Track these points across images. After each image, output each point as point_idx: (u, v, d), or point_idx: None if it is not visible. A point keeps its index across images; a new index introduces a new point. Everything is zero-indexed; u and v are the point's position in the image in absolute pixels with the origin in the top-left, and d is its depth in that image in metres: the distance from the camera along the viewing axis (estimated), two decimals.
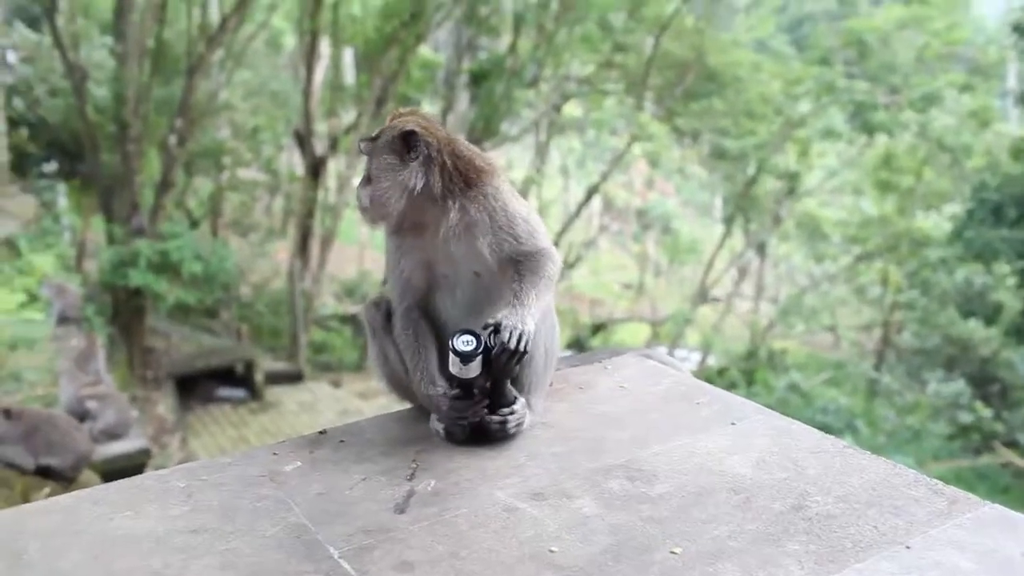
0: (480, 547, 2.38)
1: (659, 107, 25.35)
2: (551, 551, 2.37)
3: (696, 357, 29.79)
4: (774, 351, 30.54)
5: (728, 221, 29.96)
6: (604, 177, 26.57)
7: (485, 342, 2.77)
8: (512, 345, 2.72)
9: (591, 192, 27.26)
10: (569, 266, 27.22)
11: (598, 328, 29.92)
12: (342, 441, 2.97)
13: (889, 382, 29.66)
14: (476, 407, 2.88)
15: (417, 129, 2.89)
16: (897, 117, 26.52)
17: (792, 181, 28.04)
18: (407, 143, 2.88)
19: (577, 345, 29.64)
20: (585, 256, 30.20)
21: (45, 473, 7.83)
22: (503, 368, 2.81)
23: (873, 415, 27.63)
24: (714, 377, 30.16)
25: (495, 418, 2.92)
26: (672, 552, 2.35)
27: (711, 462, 2.81)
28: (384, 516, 2.53)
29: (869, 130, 27.16)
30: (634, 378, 3.42)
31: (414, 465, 2.80)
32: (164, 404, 18.17)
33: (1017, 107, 28.20)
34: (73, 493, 2.67)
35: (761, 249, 31.90)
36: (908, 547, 2.38)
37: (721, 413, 3.14)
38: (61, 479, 7.70)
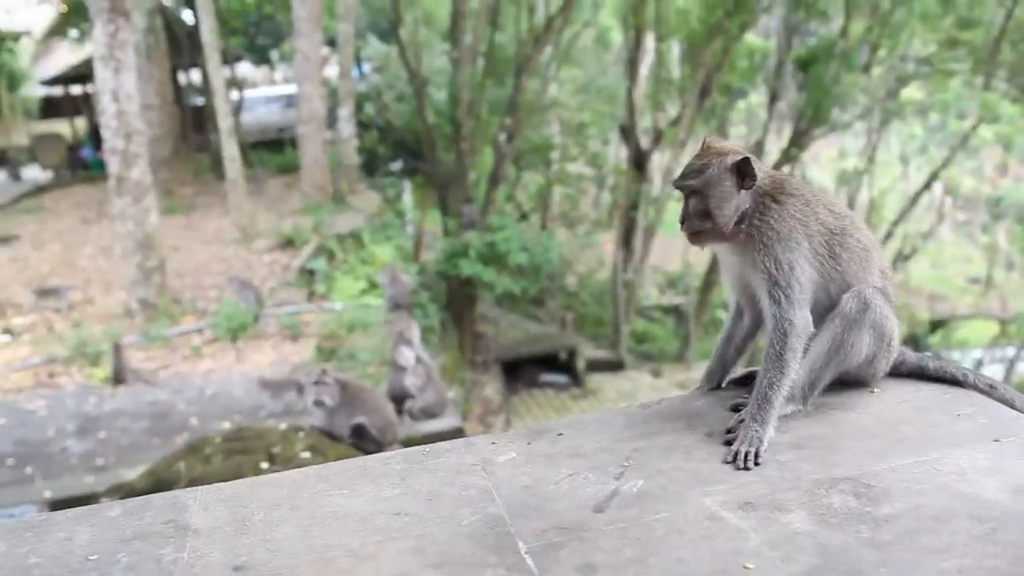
0: (670, 556, 2.26)
1: (1012, 85, 22.81)
2: (746, 567, 2.19)
3: None
4: None
5: None
6: (946, 163, 24.39)
7: None
8: (740, 464, 2.65)
9: (931, 179, 25.17)
10: (905, 258, 25.34)
11: (937, 325, 27.52)
12: (560, 434, 2.95)
13: None
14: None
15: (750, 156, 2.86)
16: None
17: None
18: (742, 171, 2.83)
19: (913, 343, 27.45)
20: (924, 248, 27.96)
21: (357, 444, 8.52)
22: None
23: None
24: None
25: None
26: None
27: (957, 483, 2.46)
28: (581, 514, 2.47)
29: None
30: (889, 383, 3.10)
31: (626, 464, 2.72)
32: (491, 386, 19.08)
33: None
34: (303, 469, 2.86)
35: None
36: None
37: (985, 428, 2.75)
38: (372, 446, 8.33)
